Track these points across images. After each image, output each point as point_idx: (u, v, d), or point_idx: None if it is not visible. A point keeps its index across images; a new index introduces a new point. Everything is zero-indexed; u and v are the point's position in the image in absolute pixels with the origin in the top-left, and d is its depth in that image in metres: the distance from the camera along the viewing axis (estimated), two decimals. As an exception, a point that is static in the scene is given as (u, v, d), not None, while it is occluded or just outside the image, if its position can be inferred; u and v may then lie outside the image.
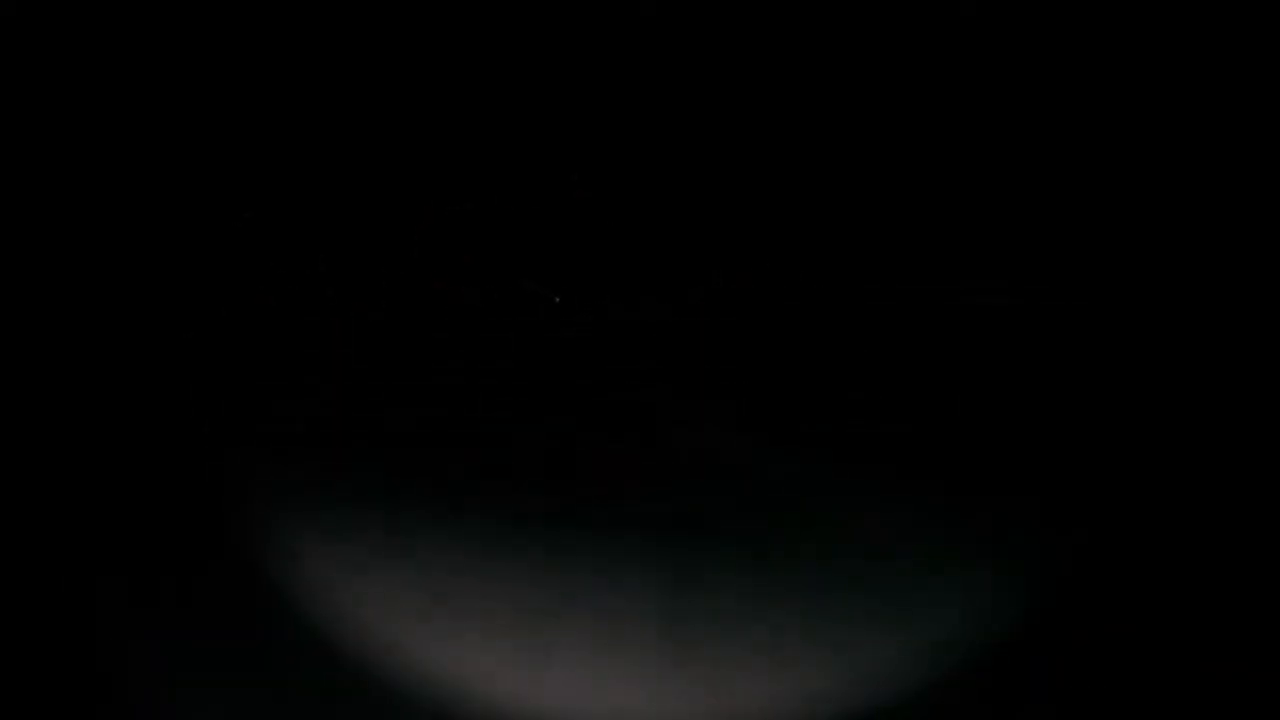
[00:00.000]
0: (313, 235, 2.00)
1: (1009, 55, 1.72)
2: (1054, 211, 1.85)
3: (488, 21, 1.89)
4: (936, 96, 1.81)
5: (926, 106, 1.82)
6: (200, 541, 1.90)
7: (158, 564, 1.87)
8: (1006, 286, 1.86)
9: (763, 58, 1.88)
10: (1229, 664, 1.70)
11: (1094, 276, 1.82)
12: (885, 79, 1.84)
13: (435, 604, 1.97)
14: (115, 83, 1.83)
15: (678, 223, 1.93)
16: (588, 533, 2.14)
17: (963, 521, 1.95)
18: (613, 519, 2.06)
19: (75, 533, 1.83)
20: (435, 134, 2.02)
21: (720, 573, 2.06)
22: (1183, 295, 1.79)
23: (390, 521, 2.00)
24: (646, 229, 1.93)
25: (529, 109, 1.93)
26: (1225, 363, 1.79)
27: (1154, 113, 1.70)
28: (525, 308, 1.95)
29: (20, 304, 1.80)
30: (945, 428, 1.90)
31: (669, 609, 2.11)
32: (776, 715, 1.96)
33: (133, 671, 1.73)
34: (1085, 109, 1.72)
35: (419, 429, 1.99)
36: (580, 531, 2.13)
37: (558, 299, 1.86)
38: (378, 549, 1.97)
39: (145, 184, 1.89)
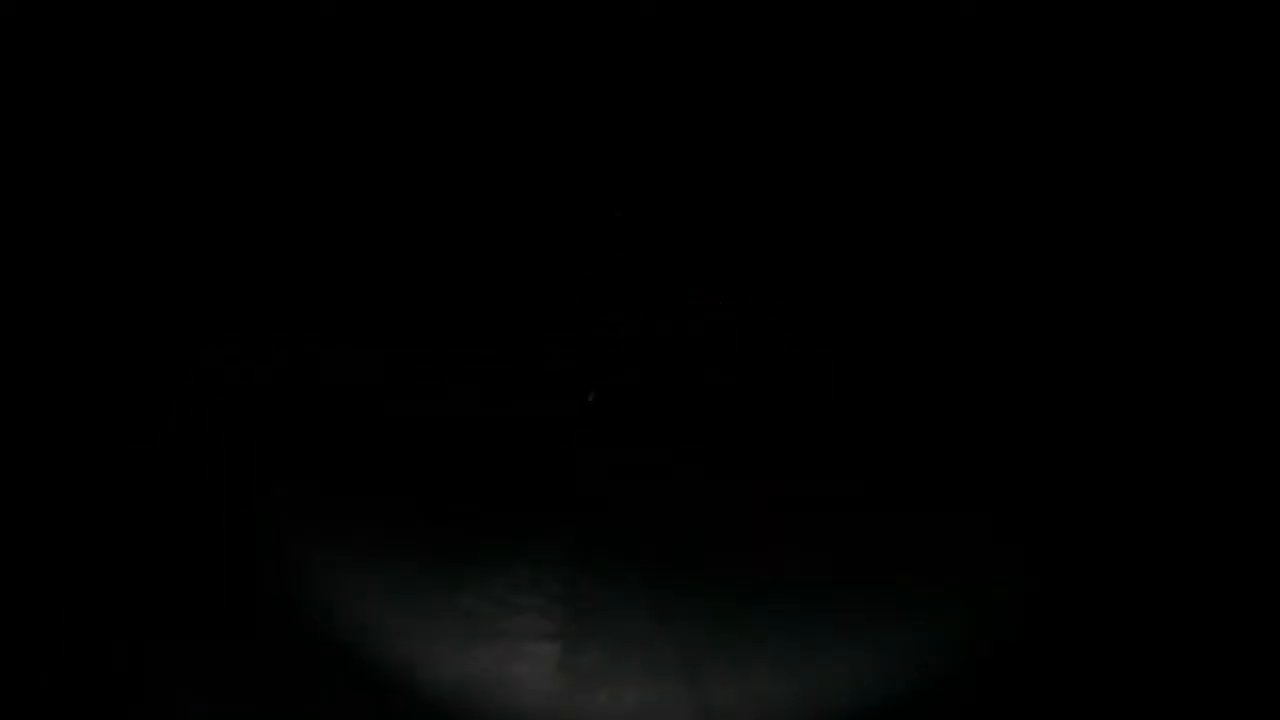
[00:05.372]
0: (309, 241, 1.99)
1: (1009, 55, 1.73)
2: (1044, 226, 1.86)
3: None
4: (937, 100, 1.82)
5: (929, 112, 1.84)
6: (206, 549, 1.90)
7: (164, 571, 1.87)
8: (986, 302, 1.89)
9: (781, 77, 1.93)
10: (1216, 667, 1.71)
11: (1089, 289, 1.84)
12: (885, 89, 1.85)
13: (436, 605, 1.97)
14: (112, 81, 1.83)
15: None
16: (588, 543, 2.14)
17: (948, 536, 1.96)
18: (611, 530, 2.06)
19: (81, 539, 1.83)
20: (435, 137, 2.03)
21: (706, 597, 2.07)
22: (1177, 301, 1.81)
23: (391, 525, 1.99)
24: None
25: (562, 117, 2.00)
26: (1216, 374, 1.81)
27: (1154, 113, 1.71)
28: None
29: (33, 316, 1.81)
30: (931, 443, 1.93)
31: (666, 618, 2.11)
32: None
33: (136, 673, 1.73)
34: (1084, 110, 1.72)
35: (419, 437, 1.99)
36: (581, 541, 2.14)
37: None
38: (378, 552, 1.96)
39: (163, 192, 1.90)
